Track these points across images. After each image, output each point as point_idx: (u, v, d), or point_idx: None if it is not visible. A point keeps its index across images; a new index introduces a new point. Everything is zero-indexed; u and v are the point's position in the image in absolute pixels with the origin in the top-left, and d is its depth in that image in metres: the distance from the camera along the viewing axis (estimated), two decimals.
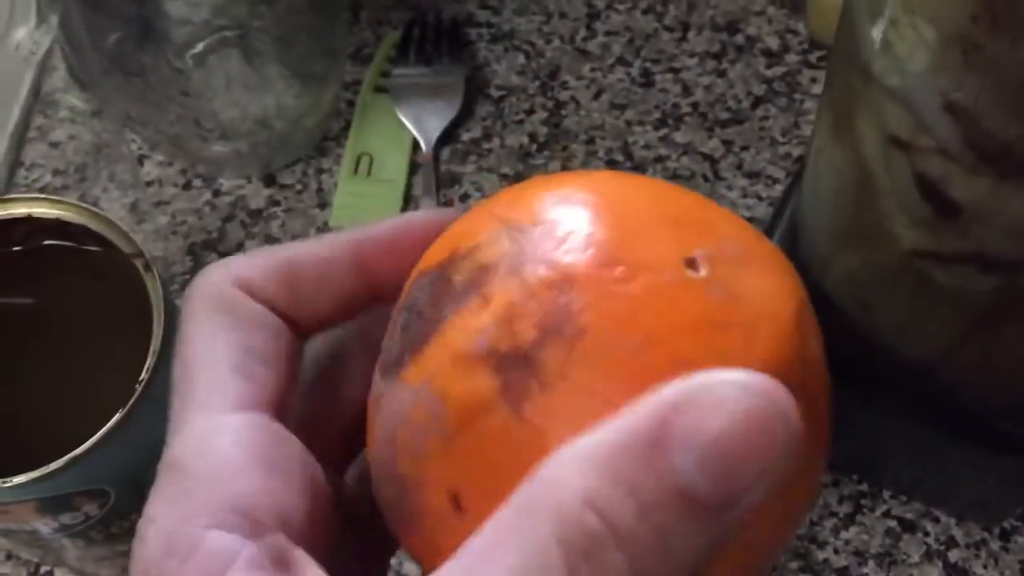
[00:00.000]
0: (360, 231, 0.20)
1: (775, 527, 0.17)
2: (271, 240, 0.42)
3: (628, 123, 0.44)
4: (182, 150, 0.43)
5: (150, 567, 0.15)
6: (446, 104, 0.44)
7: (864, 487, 0.38)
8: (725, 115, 0.45)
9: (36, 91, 0.42)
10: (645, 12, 0.47)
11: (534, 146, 0.44)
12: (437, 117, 0.44)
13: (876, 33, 0.23)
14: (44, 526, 0.29)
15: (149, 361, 0.28)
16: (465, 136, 0.44)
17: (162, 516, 0.16)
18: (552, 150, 0.44)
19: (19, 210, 0.30)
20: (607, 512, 0.14)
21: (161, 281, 0.29)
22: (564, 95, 0.45)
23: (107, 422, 0.27)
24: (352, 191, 0.43)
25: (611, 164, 0.44)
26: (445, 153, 0.44)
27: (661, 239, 0.17)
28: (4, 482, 0.26)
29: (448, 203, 0.43)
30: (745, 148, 0.44)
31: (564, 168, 0.43)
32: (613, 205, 0.17)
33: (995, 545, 0.37)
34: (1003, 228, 0.24)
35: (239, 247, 0.42)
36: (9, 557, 0.36)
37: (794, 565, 0.36)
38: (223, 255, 0.42)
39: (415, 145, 0.44)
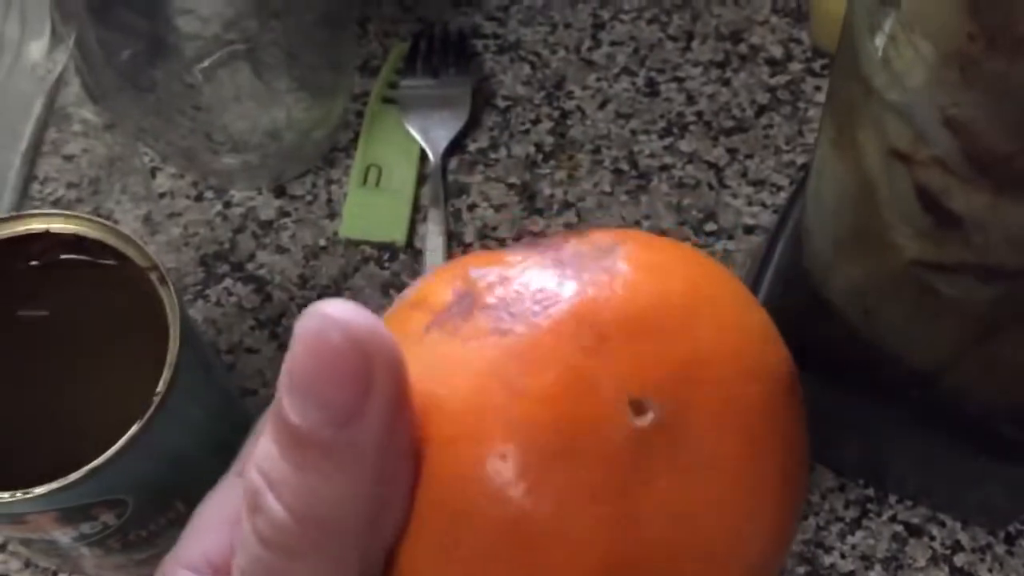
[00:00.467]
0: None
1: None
2: (282, 250, 0.43)
3: (633, 132, 0.45)
4: (194, 163, 0.43)
5: None
6: (453, 115, 0.45)
7: (870, 492, 0.38)
8: (729, 123, 0.45)
9: (50, 105, 0.42)
10: (650, 22, 0.48)
11: (540, 156, 0.45)
12: (444, 128, 0.45)
13: (876, 48, 0.24)
14: (63, 536, 0.29)
15: (166, 373, 0.28)
16: (472, 146, 0.45)
17: (171, 554, 0.20)
18: (558, 159, 0.44)
19: (36, 226, 0.30)
20: (264, 466, 0.16)
21: (177, 294, 0.30)
22: (570, 105, 0.46)
23: (125, 433, 0.27)
24: (361, 201, 0.43)
25: (617, 173, 0.44)
26: (453, 163, 0.45)
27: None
28: (25, 493, 0.26)
29: (455, 213, 0.43)
30: (749, 156, 0.44)
31: (570, 178, 0.44)
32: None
33: (1000, 549, 0.37)
34: (1003, 239, 0.24)
35: (250, 258, 0.43)
36: (27, 565, 0.37)
37: (801, 570, 0.37)
38: (235, 266, 0.42)
39: (423, 155, 0.44)
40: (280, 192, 0.44)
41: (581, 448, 0.15)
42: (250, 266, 0.42)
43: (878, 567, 0.37)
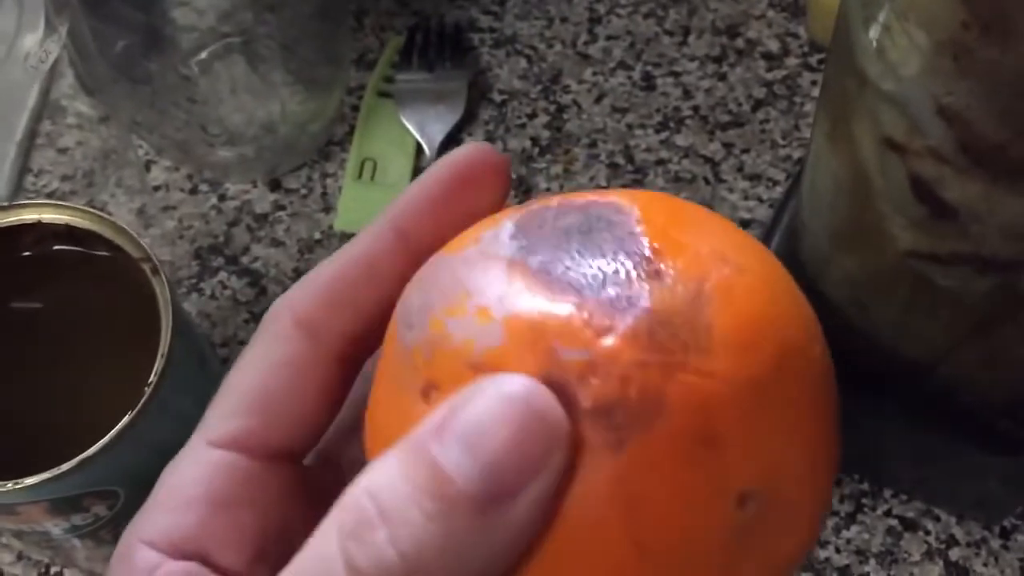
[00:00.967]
0: (398, 206, 0.19)
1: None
2: (277, 244, 0.43)
3: (629, 126, 0.45)
4: (188, 155, 0.43)
5: (112, 562, 0.19)
6: (449, 109, 0.45)
7: (865, 486, 0.38)
8: (726, 118, 0.45)
9: (44, 97, 0.42)
10: (646, 16, 0.47)
11: (536, 150, 0.44)
12: (440, 122, 0.45)
13: (870, 38, 0.24)
14: (55, 527, 0.29)
15: (158, 364, 0.28)
16: (468, 140, 0.45)
17: (132, 523, 0.19)
18: (554, 154, 0.44)
19: (28, 216, 0.30)
20: (381, 496, 0.15)
21: (169, 285, 0.30)
22: (566, 99, 0.46)
23: (117, 424, 0.27)
24: (356, 195, 0.43)
25: (612, 167, 0.44)
26: None
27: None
28: (16, 483, 0.26)
29: None
30: (746, 151, 0.44)
31: (566, 172, 0.44)
32: None
33: (995, 543, 0.37)
34: (998, 229, 0.24)
35: (245, 251, 0.42)
36: (20, 558, 0.37)
37: None
38: (229, 259, 0.42)
39: (419, 149, 0.44)
40: (275, 185, 0.44)
41: (695, 552, 0.16)
42: (245, 259, 0.42)
43: (873, 561, 0.37)
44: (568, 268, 0.16)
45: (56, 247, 0.31)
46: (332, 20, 0.43)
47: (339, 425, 0.20)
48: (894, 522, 0.37)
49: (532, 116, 0.45)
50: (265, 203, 0.43)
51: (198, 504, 0.18)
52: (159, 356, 0.28)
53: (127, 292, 0.30)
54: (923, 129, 0.23)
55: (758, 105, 0.45)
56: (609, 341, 0.15)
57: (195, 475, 0.19)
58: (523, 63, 0.46)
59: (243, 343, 0.41)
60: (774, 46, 0.47)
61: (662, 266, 0.16)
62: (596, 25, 0.47)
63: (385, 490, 0.15)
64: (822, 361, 0.18)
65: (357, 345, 0.19)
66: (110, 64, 0.39)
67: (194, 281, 0.42)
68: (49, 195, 0.43)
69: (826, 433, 0.18)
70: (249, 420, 0.19)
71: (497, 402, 0.15)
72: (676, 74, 0.46)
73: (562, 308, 0.16)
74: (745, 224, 0.43)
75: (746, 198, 0.43)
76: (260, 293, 0.42)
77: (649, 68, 0.46)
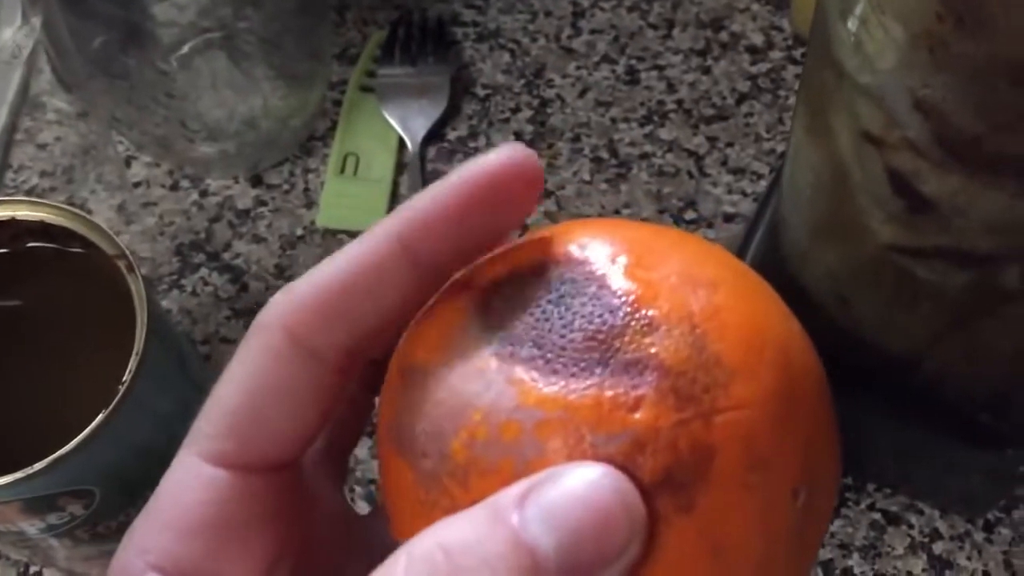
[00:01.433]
0: (408, 220, 0.18)
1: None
2: (258, 240, 0.42)
3: (613, 120, 0.45)
4: (169, 151, 0.43)
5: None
6: (432, 103, 0.45)
7: (848, 480, 0.38)
8: (710, 112, 0.45)
9: (23, 93, 0.42)
10: (630, 10, 0.47)
11: (520, 144, 0.44)
12: (423, 116, 0.44)
13: (847, 31, 0.23)
14: (30, 527, 0.29)
15: (132, 362, 0.28)
16: (451, 135, 0.45)
17: (129, 541, 0.18)
18: (538, 148, 0.44)
19: (2, 213, 0.30)
20: (455, 552, 0.15)
21: (145, 282, 0.29)
22: (550, 93, 0.45)
23: (91, 422, 0.27)
24: (339, 191, 0.43)
25: (596, 161, 0.44)
26: (431, 152, 0.44)
27: None
28: None
29: None
30: (730, 144, 0.44)
31: (550, 166, 0.44)
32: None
33: (979, 537, 0.37)
34: (976, 223, 0.24)
35: (226, 247, 0.42)
36: None
37: None
38: (211, 255, 0.42)
39: (401, 144, 0.44)
40: (257, 181, 0.44)
41: (773, 555, 0.17)
42: (226, 256, 0.42)
43: (856, 555, 0.37)
44: (563, 348, 0.16)
45: (31, 244, 0.31)
46: (313, 14, 0.43)
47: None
48: (877, 516, 0.37)
49: (516, 110, 0.45)
50: (247, 199, 0.43)
51: (205, 529, 0.18)
52: (133, 354, 0.28)
53: (103, 289, 0.30)
54: (900, 122, 0.23)
55: (742, 99, 0.45)
56: (642, 415, 0.16)
57: (198, 497, 0.18)
58: (506, 57, 0.46)
59: (225, 340, 0.40)
60: (758, 39, 0.46)
61: (650, 314, 0.16)
62: (580, 19, 0.47)
63: (459, 547, 0.15)
64: (808, 345, 0.19)
65: (353, 358, 0.18)
66: (88, 60, 0.38)
67: (175, 278, 0.42)
68: (29, 191, 0.43)
69: (832, 416, 0.18)
70: (246, 439, 0.18)
71: (582, 485, 0.15)
72: (660, 68, 0.46)
73: (584, 396, 0.16)
74: (729, 218, 0.43)
75: (730, 192, 0.43)
76: (242, 289, 0.41)
77: (633, 62, 0.46)
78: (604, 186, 0.43)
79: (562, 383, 0.16)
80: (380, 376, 0.19)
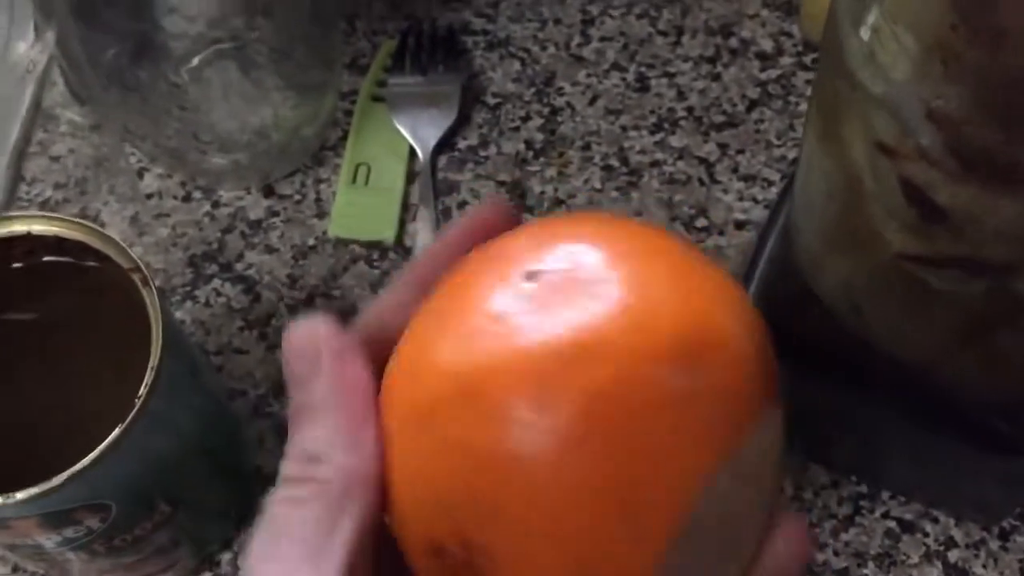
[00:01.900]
0: (420, 261, 0.22)
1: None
2: (271, 250, 0.42)
3: (624, 128, 0.45)
4: (181, 163, 0.43)
5: None
6: (442, 112, 0.45)
7: (863, 488, 0.38)
8: (720, 119, 0.45)
9: (36, 106, 0.42)
10: (639, 17, 0.47)
11: (530, 152, 0.44)
12: (433, 125, 0.44)
13: (860, 41, 0.23)
14: (47, 540, 0.29)
15: (148, 377, 0.28)
16: (462, 144, 0.45)
17: None
18: (548, 156, 0.44)
19: (18, 228, 0.30)
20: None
21: (160, 295, 0.29)
22: (560, 101, 0.45)
23: (107, 436, 0.27)
24: (350, 200, 0.43)
25: (607, 169, 0.44)
26: (442, 161, 0.44)
27: None
28: (6, 498, 0.26)
29: (446, 211, 0.43)
30: (740, 151, 0.44)
31: (560, 175, 0.44)
32: None
33: (994, 545, 0.37)
34: (989, 232, 0.24)
35: (239, 258, 0.42)
36: (15, 570, 0.37)
37: None
38: (223, 266, 0.42)
39: (412, 153, 0.44)
40: (269, 192, 0.44)
41: None
42: (239, 266, 0.42)
43: (871, 564, 0.36)
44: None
45: (46, 258, 0.31)
46: (324, 24, 0.43)
47: None
48: (892, 524, 0.37)
49: (526, 119, 0.45)
50: (259, 209, 0.43)
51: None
52: (149, 369, 0.28)
53: (118, 303, 0.30)
54: (913, 132, 0.23)
55: (752, 105, 0.45)
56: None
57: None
58: (516, 66, 0.46)
59: (237, 351, 0.41)
60: (768, 46, 0.46)
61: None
62: (589, 27, 0.47)
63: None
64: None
65: None
66: (100, 72, 0.39)
67: (188, 289, 0.42)
68: (43, 204, 0.43)
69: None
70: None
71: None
72: (670, 75, 0.46)
73: None
74: (740, 225, 0.43)
75: (741, 199, 0.43)
76: (254, 300, 0.41)
77: (643, 69, 0.46)
78: (615, 194, 0.43)
79: None
80: None
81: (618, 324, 0.17)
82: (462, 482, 0.18)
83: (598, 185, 0.44)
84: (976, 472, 0.35)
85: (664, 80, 0.46)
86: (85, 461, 0.27)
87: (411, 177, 0.44)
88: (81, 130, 0.42)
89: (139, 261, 0.30)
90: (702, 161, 0.44)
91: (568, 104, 0.45)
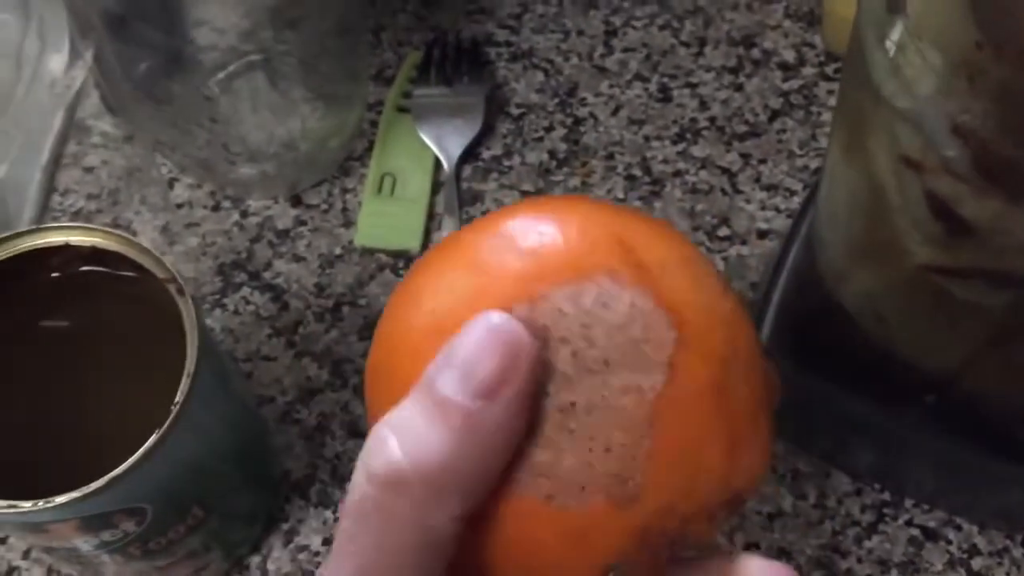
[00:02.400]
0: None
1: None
2: (298, 259, 0.43)
3: (646, 138, 0.45)
4: (211, 173, 0.44)
5: None
6: (467, 123, 0.45)
7: (886, 496, 0.38)
8: (743, 128, 0.45)
9: (70, 118, 0.43)
10: (662, 28, 0.48)
11: (554, 163, 0.45)
12: (458, 136, 0.45)
13: (885, 57, 0.24)
14: (84, 543, 0.30)
15: (184, 383, 0.29)
16: (486, 154, 0.45)
17: None
18: (572, 166, 0.45)
19: (56, 239, 0.31)
20: (393, 421, 0.19)
21: (194, 304, 0.30)
22: (583, 112, 0.46)
23: (144, 442, 0.28)
24: (376, 210, 0.44)
25: (630, 179, 0.44)
26: (467, 171, 0.45)
27: None
28: (47, 503, 0.27)
29: (470, 220, 0.44)
30: (763, 161, 0.44)
31: (583, 184, 0.44)
32: None
33: (1018, 553, 0.37)
34: (1015, 245, 0.24)
35: (267, 267, 0.43)
36: (49, 572, 0.38)
37: (817, 574, 0.37)
38: (252, 275, 0.43)
39: (437, 164, 0.45)
40: (296, 201, 0.44)
41: None
42: (267, 275, 0.43)
43: (895, 571, 0.37)
44: None
45: (83, 268, 0.32)
46: (350, 36, 0.44)
47: None
48: (916, 532, 0.37)
49: (549, 129, 0.46)
50: (286, 219, 0.44)
51: None
52: (185, 375, 0.29)
53: (153, 312, 0.30)
54: (938, 147, 0.23)
55: (775, 115, 0.45)
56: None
57: None
58: (540, 76, 0.47)
59: (266, 358, 0.41)
60: (790, 56, 0.47)
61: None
62: (612, 38, 0.48)
63: (396, 416, 0.19)
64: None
65: None
66: (133, 85, 0.39)
67: (217, 297, 0.42)
68: (75, 214, 0.44)
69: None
70: None
71: (482, 331, 0.19)
72: (692, 85, 0.46)
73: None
74: (762, 235, 0.43)
75: (763, 208, 0.43)
76: (282, 308, 0.42)
77: (665, 80, 0.46)
78: (638, 203, 0.44)
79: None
80: None
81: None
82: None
83: (621, 195, 0.44)
84: (999, 480, 0.35)
85: (687, 90, 0.46)
86: (124, 466, 0.27)
87: (436, 187, 0.44)
88: (114, 141, 0.43)
89: (174, 271, 0.30)
90: (724, 171, 0.44)
91: (591, 114, 0.46)
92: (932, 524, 0.37)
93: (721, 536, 0.20)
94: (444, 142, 0.45)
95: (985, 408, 0.33)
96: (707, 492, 0.19)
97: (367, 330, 0.41)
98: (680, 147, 0.45)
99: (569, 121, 0.46)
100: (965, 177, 0.23)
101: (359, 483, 0.19)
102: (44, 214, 0.43)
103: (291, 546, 0.38)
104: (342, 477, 0.39)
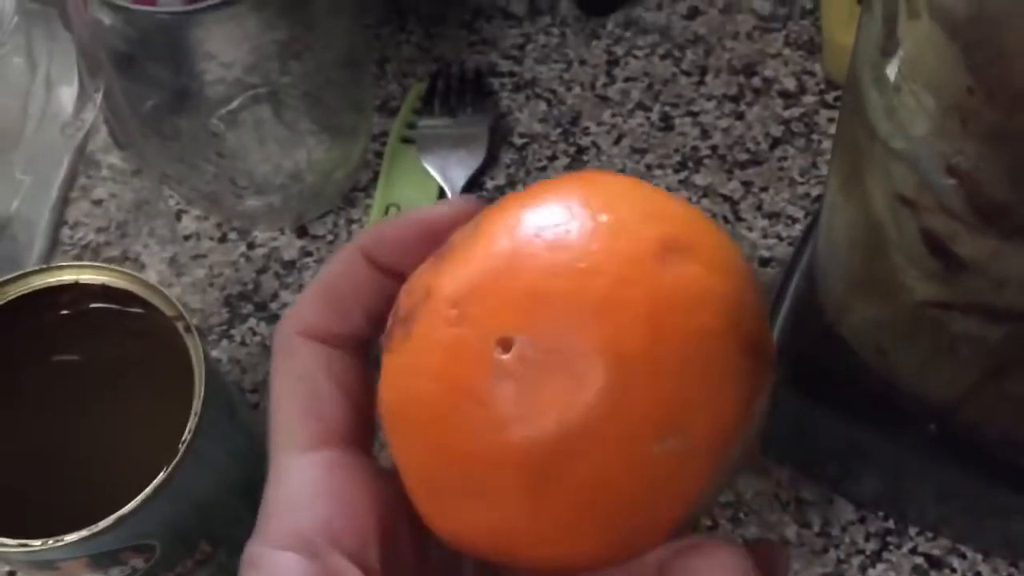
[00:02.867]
0: (362, 236, 0.22)
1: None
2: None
3: (648, 167, 0.45)
4: (218, 206, 0.44)
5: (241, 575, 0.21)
6: (470, 153, 0.46)
7: (890, 524, 0.38)
8: (744, 157, 0.45)
9: (79, 153, 0.44)
10: (663, 57, 0.48)
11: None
12: (462, 166, 0.45)
13: (879, 96, 0.24)
14: None
15: (192, 422, 0.29)
16: (490, 184, 0.46)
17: (250, 543, 0.21)
18: None
19: (67, 277, 0.31)
20: None
21: (201, 341, 0.30)
22: (585, 141, 0.46)
23: (152, 479, 0.28)
24: None
25: None
26: None
27: None
28: (56, 541, 0.27)
29: None
30: (764, 189, 0.45)
31: None
32: None
33: None
34: (1011, 282, 0.24)
35: (274, 297, 0.43)
36: None
37: None
38: (259, 306, 0.43)
39: (441, 194, 0.45)
40: (302, 232, 0.45)
41: None
42: (273, 305, 0.43)
43: None
44: None
45: (93, 305, 0.32)
46: (355, 68, 0.44)
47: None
48: (920, 560, 0.37)
49: (552, 158, 0.46)
50: (293, 250, 0.44)
51: (315, 503, 0.21)
52: (192, 414, 0.29)
53: (161, 349, 0.31)
54: (933, 187, 0.23)
55: (776, 143, 0.46)
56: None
57: (313, 477, 0.21)
58: (543, 106, 0.47)
59: None
60: (791, 84, 0.47)
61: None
62: (614, 67, 0.48)
63: None
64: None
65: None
66: (140, 122, 0.40)
67: (224, 328, 0.43)
68: (84, 247, 0.44)
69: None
70: (324, 418, 0.22)
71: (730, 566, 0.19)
72: (694, 114, 0.47)
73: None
74: (765, 262, 0.43)
75: (765, 236, 0.44)
76: None
77: (667, 109, 0.47)
78: None
79: None
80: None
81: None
82: (479, 543, 0.20)
83: None
84: (1002, 508, 0.35)
85: (688, 119, 0.47)
86: (133, 504, 0.28)
87: None
88: (122, 175, 0.44)
89: (181, 309, 0.31)
90: (726, 199, 0.45)
91: (594, 143, 0.46)
92: (936, 552, 0.38)
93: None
94: (448, 172, 0.45)
95: (986, 437, 0.33)
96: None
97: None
98: (682, 175, 0.45)
99: (572, 150, 0.46)
100: (960, 216, 0.23)
101: None
102: (54, 247, 0.44)
103: None
104: None
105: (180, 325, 0.30)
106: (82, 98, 0.34)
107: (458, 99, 0.47)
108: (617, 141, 0.46)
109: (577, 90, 0.48)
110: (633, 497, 0.18)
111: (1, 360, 0.32)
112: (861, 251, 0.29)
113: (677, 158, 0.46)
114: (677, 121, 0.47)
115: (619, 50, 0.48)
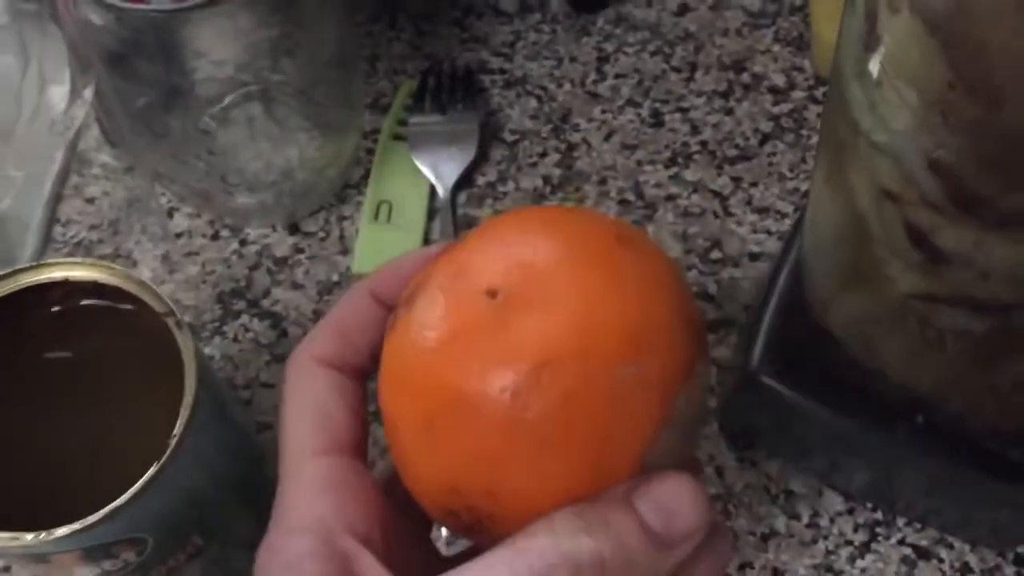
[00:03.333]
0: (371, 277, 0.27)
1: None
2: (297, 286, 0.44)
3: (639, 163, 0.46)
4: (210, 203, 0.44)
5: (259, 562, 0.23)
6: (461, 150, 0.46)
7: (879, 515, 0.38)
8: (733, 152, 0.46)
9: (71, 151, 0.44)
10: (653, 54, 0.48)
11: (548, 188, 0.45)
12: (453, 163, 0.46)
13: (862, 91, 0.24)
14: (85, 573, 0.30)
15: (183, 415, 0.29)
16: (481, 180, 0.46)
17: (268, 532, 0.24)
18: (565, 191, 0.45)
19: (57, 274, 0.31)
20: (593, 532, 0.21)
21: (193, 337, 0.31)
22: (576, 137, 0.47)
23: (144, 473, 0.28)
24: (373, 237, 0.44)
25: (623, 204, 0.45)
26: (462, 197, 0.45)
27: None
28: (48, 534, 0.27)
29: None
30: (754, 184, 0.45)
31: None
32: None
33: (1010, 571, 0.37)
34: (994, 274, 0.25)
35: (266, 294, 0.44)
36: None
37: None
38: (251, 303, 0.43)
39: (432, 191, 0.45)
40: (294, 230, 0.45)
41: None
42: (266, 302, 0.43)
43: None
44: None
45: (84, 302, 0.32)
46: (346, 65, 0.45)
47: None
48: (908, 551, 0.38)
49: (543, 155, 0.46)
50: (284, 247, 0.45)
51: (327, 495, 0.24)
52: (183, 408, 0.29)
53: (152, 345, 0.31)
54: (916, 181, 0.23)
55: (765, 139, 0.46)
56: None
57: (322, 475, 0.24)
58: (533, 103, 0.47)
59: (265, 385, 0.42)
60: (780, 80, 0.47)
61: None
62: (604, 64, 0.48)
63: (592, 524, 0.22)
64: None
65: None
66: (132, 119, 0.40)
67: (216, 325, 0.43)
68: (76, 245, 0.44)
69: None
70: (333, 430, 0.25)
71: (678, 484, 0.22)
72: (684, 110, 0.47)
73: None
74: (754, 257, 0.43)
75: (755, 231, 0.44)
76: (281, 335, 0.43)
77: (657, 105, 0.47)
78: None
79: None
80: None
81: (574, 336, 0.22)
82: (465, 472, 0.22)
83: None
84: (990, 499, 0.36)
85: (678, 115, 0.47)
86: (126, 496, 0.28)
87: (432, 214, 0.45)
88: (114, 173, 0.44)
89: (172, 305, 0.31)
90: (716, 194, 0.45)
91: (584, 140, 0.46)
92: (924, 543, 0.38)
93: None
94: (439, 169, 0.46)
95: (973, 428, 0.33)
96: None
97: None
98: (672, 171, 0.45)
99: (563, 147, 0.46)
100: (941, 209, 0.23)
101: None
102: (47, 245, 0.44)
103: None
104: None
105: (171, 321, 0.31)
106: (73, 96, 0.34)
107: (449, 96, 0.47)
108: (607, 137, 0.46)
109: (567, 87, 0.48)
110: (597, 418, 0.21)
111: None
112: (846, 245, 0.29)
113: (667, 154, 0.46)
114: (667, 117, 0.47)
115: (609, 47, 0.49)
